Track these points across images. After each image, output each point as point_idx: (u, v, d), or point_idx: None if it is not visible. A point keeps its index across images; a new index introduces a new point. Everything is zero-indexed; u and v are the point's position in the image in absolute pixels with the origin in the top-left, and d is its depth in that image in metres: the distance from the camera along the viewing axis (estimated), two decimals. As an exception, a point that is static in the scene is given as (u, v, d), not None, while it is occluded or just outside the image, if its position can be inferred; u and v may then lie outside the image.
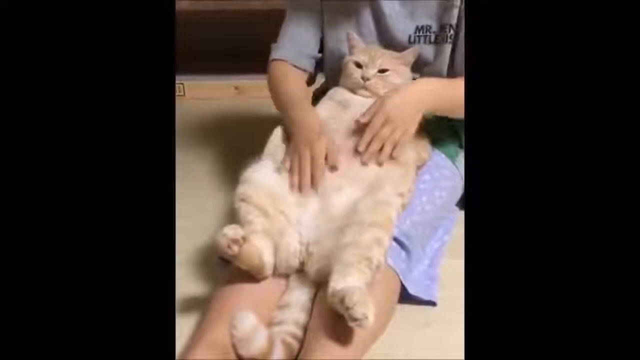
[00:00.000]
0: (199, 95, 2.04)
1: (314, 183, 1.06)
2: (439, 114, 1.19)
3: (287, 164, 1.10)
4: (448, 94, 1.15)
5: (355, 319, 0.85)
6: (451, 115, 1.20)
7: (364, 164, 1.09)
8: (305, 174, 1.07)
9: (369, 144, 1.09)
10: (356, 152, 1.10)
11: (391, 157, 1.09)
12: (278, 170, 1.09)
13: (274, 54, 1.31)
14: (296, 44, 1.30)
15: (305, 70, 1.30)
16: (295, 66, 1.29)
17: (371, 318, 0.85)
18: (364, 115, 1.11)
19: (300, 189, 1.06)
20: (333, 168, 1.08)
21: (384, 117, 1.09)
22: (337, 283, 0.90)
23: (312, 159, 1.07)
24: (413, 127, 1.12)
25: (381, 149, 1.09)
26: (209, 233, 1.22)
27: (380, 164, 1.09)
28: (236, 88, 2.06)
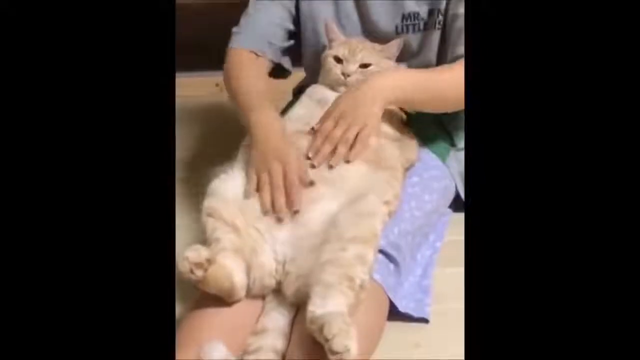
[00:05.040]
0: (177, 93, 1.93)
1: (289, 204, 0.94)
2: (407, 107, 1.10)
3: (254, 181, 0.97)
4: (415, 86, 1.06)
5: (335, 352, 0.76)
6: (423, 109, 1.11)
7: (312, 167, 0.98)
8: (278, 193, 0.94)
9: (320, 148, 0.99)
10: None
11: (348, 159, 0.99)
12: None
13: (233, 41, 1.21)
14: (258, 30, 1.20)
15: (269, 60, 1.20)
16: (256, 55, 1.18)
17: (353, 350, 0.76)
18: (318, 121, 1.02)
19: (276, 211, 0.94)
20: (308, 184, 0.96)
21: (335, 117, 1.00)
22: (317, 307, 0.82)
23: (286, 176, 0.95)
24: (373, 122, 1.01)
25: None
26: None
27: (331, 167, 0.98)
28: (217, 84, 1.92)
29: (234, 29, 1.22)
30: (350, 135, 1.00)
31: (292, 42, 1.23)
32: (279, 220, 0.93)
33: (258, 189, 0.96)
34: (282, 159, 0.96)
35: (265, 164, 0.97)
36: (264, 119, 1.03)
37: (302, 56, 1.26)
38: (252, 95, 1.10)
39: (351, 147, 1.00)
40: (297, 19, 1.22)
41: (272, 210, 0.94)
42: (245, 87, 1.12)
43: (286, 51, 1.23)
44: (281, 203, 0.94)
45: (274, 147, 0.98)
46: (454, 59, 1.10)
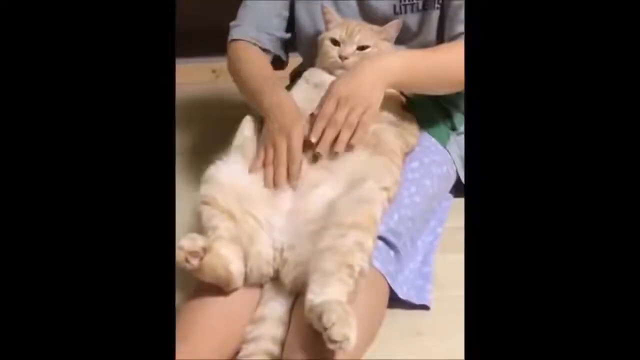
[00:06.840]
0: (173, 80, 1.91)
1: (290, 178, 0.95)
2: (408, 89, 1.07)
3: (262, 157, 0.98)
4: (416, 68, 1.03)
5: (334, 341, 0.74)
6: (424, 90, 1.09)
7: (317, 156, 0.96)
8: (280, 166, 0.95)
9: (323, 132, 0.97)
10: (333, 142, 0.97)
11: (350, 144, 0.97)
12: (247, 165, 0.97)
13: (232, 34, 1.19)
14: (257, 21, 1.18)
15: (268, 52, 1.19)
16: (256, 46, 1.17)
17: (352, 339, 0.75)
18: (317, 105, 0.99)
19: (275, 184, 0.95)
20: (313, 158, 0.97)
21: (336, 100, 0.97)
22: (316, 296, 0.80)
23: (289, 150, 0.96)
24: (375, 103, 0.99)
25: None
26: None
27: (338, 153, 0.96)
28: (213, 71, 1.93)
29: (232, 23, 1.21)
30: (354, 119, 0.97)
31: (290, 34, 1.21)
32: (280, 191, 0.94)
33: (264, 164, 0.97)
34: (287, 135, 0.97)
35: (272, 141, 0.97)
36: (277, 99, 1.02)
37: (297, 41, 1.23)
38: (260, 80, 1.09)
39: (353, 131, 0.97)
40: (292, 3, 1.19)
41: (273, 185, 0.95)
42: (253, 74, 1.11)
43: (285, 42, 1.22)
44: (282, 177, 0.95)
45: (282, 125, 0.98)
46: (453, 38, 1.08)
